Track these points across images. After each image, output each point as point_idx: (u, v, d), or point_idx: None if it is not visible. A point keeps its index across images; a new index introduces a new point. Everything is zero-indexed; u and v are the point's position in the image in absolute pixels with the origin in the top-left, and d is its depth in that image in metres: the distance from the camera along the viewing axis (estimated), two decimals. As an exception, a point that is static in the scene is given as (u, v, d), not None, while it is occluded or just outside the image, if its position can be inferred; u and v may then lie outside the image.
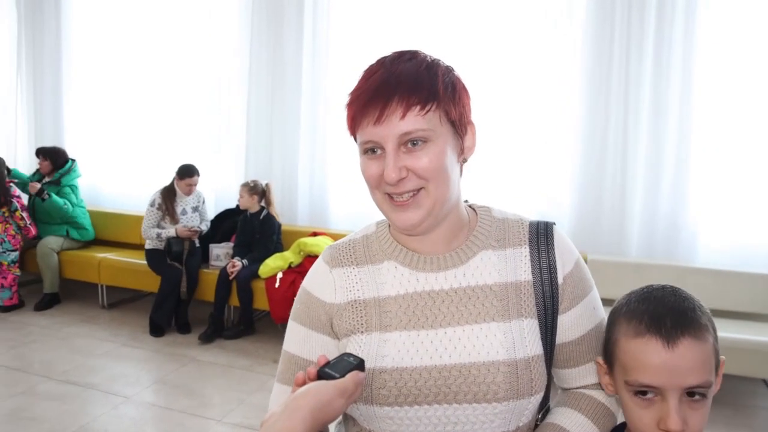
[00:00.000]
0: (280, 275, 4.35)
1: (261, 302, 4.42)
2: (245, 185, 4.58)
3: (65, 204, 5.09)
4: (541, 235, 0.99)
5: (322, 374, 0.81)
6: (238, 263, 4.39)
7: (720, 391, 1.00)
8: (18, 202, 4.95)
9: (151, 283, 4.66)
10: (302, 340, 1.01)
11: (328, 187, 5.03)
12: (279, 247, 4.63)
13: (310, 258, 4.42)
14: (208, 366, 3.92)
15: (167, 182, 4.77)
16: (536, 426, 1.02)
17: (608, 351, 0.93)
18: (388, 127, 0.86)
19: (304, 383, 0.80)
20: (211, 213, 5.14)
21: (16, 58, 6.14)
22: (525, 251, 0.98)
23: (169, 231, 4.60)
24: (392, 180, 0.87)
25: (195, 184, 4.75)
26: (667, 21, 3.98)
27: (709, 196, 4.05)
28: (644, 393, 0.87)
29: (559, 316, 0.98)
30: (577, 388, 1.05)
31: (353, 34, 4.80)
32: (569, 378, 1.04)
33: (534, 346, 0.94)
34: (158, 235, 4.60)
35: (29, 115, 6.18)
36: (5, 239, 4.92)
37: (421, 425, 0.92)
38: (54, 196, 5.04)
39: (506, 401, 0.90)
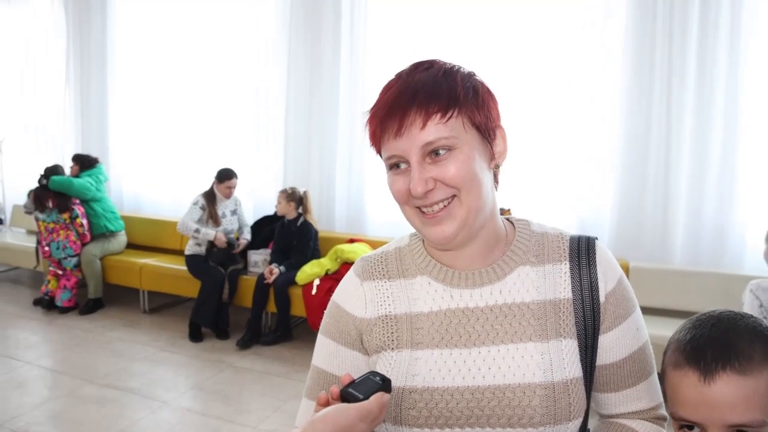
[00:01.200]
0: (317, 282, 4.34)
1: (298, 309, 4.43)
2: (283, 192, 4.61)
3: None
4: (582, 251, 0.94)
5: (345, 394, 0.76)
6: (276, 270, 4.41)
7: None
8: (78, 208, 5.10)
9: (191, 288, 4.72)
10: (331, 355, 0.97)
11: (366, 194, 5.02)
12: (316, 254, 4.63)
13: (347, 265, 4.40)
14: (245, 372, 3.94)
15: (207, 189, 4.84)
16: None
17: (661, 380, 0.89)
18: (409, 138, 0.83)
19: (327, 403, 0.76)
20: (250, 220, 5.18)
21: (65, 68, 6.34)
22: (565, 267, 0.93)
23: (208, 233, 4.64)
24: (419, 193, 0.83)
25: (234, 187, 4.82)
26: (711, 20, 3.83)
27: (756, 201, 3.88)
28: (689, 427, 0.81)
29: (600, 337, 0.92)
30: (617, 415, 0.99)
31: (390, 39, 4.79)
32: (608, 403, 0.98)
33: (573, 369, 0.89)
34: (196, 230, 4.64)
35: (76, 124, 6.38)
36: (67, 245, 5.08)
37: None
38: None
39: (542, 426, 0.85)
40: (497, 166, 0.92)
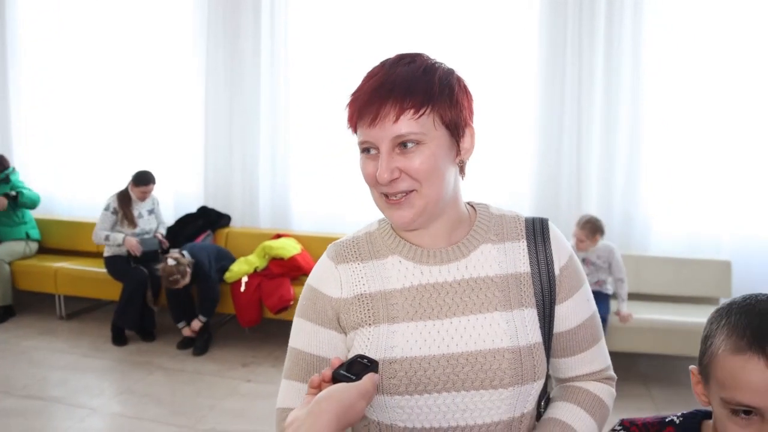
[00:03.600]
0: (245, 279, 4.32)
1: (227, 307, 4.39)
2: (174, 283, 4.10)
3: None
4: (537, 230, 1.05)
5: (337, 376, 0.82)
6: (196, 322, 4.26)
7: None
8: None
9: (112, 290, 4.55)
10: (309, 336, 1.03)
11: (291, 188, 5.02)
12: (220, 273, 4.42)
13: (276, 261, 4.40)
14: (176, 373, 3.87)
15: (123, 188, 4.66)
16: (538, 415, 1.07)
17: (704, 364, 0.89)
18: (382, 129, 0.90)
19: (319, 385, 0.82)
20: (171, 218, 5.06)
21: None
22: (523, 245, 1.04)
23: (116, 237, 4.48)
24: (384, 180, 0.91)
25: (149, 192, 4.64)
26: (616, 23, 4.18)
27: (660, 188, 4.26)
28: (744, 412, 0.83)
29: (556, 306, 1.03)
30: (573, 378, 1.10)
31: (312, 30, 4.81)
32: (565, 367, 1.09)
33: (535, 334, 0.99)
34: (106, 238, 4.50)
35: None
36: None
37: (431, 413, 0.95)
38: (24, 192, 4.92)
39: (512, 387, 0.95)
40: (462, 162, 1.00)
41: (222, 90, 5.02)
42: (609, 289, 3.82)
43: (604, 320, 3.61)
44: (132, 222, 4.58)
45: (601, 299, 3.73)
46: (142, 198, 4.62)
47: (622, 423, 1.04)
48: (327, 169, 4.89)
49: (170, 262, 4.10)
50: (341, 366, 0.83)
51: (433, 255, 1.00)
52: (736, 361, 0.82)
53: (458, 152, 0.98)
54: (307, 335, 1.03)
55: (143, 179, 4.57)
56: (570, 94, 4.30)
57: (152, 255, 4.55)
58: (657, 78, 4.19)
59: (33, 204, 5.06)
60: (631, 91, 4.22)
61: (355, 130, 0.97)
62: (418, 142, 0.91)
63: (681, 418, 1.01)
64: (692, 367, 0.95)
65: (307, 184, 5.00)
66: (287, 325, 4.47)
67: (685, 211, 4.20)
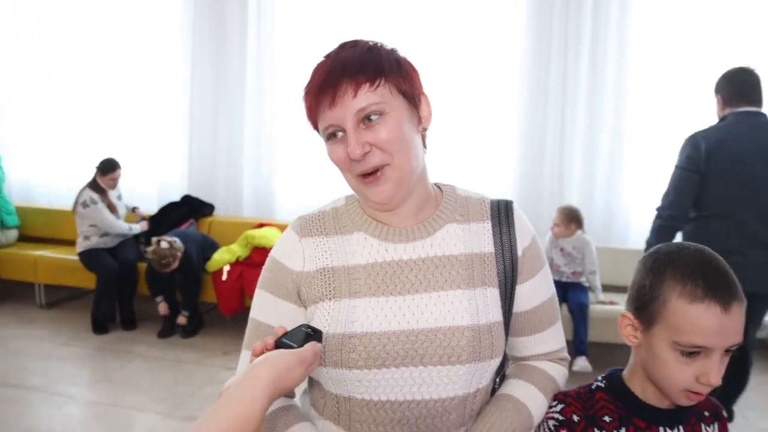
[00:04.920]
0: (227, 268, 4.31)
1: (209, 295, 4.38)
2: (166, 265, 4.06)
3: None
4: (501, 212, 1.06)
5: (279, 344, 0.83)
6: (183, 319, 4.32)
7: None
8: None
9: (92, 279, 4.52)
10: (269, 308, 1.04)
11: (274, 177, 5.01)
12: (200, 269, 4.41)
13: (258, 250, 4.39)
14: (156, 361, 3.86)
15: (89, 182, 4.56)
16: (493, 390, 1.08)
17: (649, 311, 0.96)
18: (342, 107, 0.91)
19: (262, 353, 0.83)
20: (154, 206, 5.03)
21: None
22: (488, 226, 1.05)
23: (135, 228, 4.61)
24: (357, 155, 0.91)
25: (118, 177, 4.60)
26: (602, 19, 4.23)
27: (639, 187, 4.34)
28: (692, 353, 0.91)
29: (517, 287, 1.05)
30: (529, 357, 1.12)
31: (298, 17, 4.80)
32: (522, 346, 1.11)
33: (495, 313, 1.00)
34: (130, 229, 4.58)
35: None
36: None
37: (389, 387, 0.96)
38: None
39: (469, 363, 0.96)
40: (425, 129, 1.01)
41: (207, 78, 5.00)
42: (586, 281, 3.86)
43: (585, 309, 3.65)
44: (114, 210, 4.56)
45: (581, 290, 3.78)
46: (113, 186, 4.59)
47: (556, 397, 1.08)
48: (311, 159, 4.89)
49: (163, 245, 4.07)
50: (285, 335, 0.84)
51: (399, 233, 1.01)
52: (694, 309, 0.90)
53: (419, 120, 0.99)
54: (267, 307, 1.04)
55: (110, 166, 4.53)
56: (554, 89, 4.34)
57: (131, 242, 4.56)
58: (640, 74, 4.24)
59: None
60: (614, 87, 4.27)
61: (315, 124, 0.98)
62: (380, 113, 0.92)
63: (604, 381, 1.08)
64: (625, 312, 1.01)
65: (291, 173, 4.99)
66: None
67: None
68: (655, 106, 4.26)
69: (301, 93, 0.97)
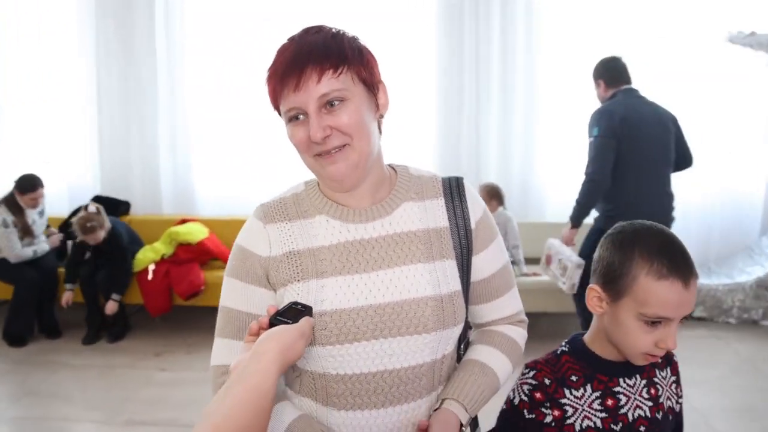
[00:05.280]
0: (152, 267, 4.20)
1: (134, 296, 4.25)
2: (91, 229, 3.93)
3: None
4: (453, 188, 1.13)
5: (274, 322, 0.87)
6: (114, 304, 4.07)
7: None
8: None
9: (4, 289, 4.28)
10: (240, 294, 1.07)
11: (193, 172, 4.91)
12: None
13: (183, 246, 4.31)
14: (85, 369, 3.71)
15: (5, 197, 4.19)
16: (459, 356, 1.17)
17: (618, 285, 1.07)
18: (306, 92, 0.95)
19: (258, 332, 0.87)
20: (66, 209, 4.79)
21: None
22: (441, 202, 1.12)
23: (43, 246, 4.24)
24: (318, 138, 0.95)
25: (41, 197, 4.19)
26: (509, 11, 4.49)
27: (552, 164, 4.62)
28: (655, 322, 1.04)
29: (473, 257, 1.12)
30: (490, 322, 1.21)
31: (208, 7, 4.71)
32: (483, 313, 1.20)
33: (455, 283, 1.08)
34: (34, 253, 4.16)
35: None
36: None
37: (360, 360, 1.02)
38: None
39: (435, 331, 1.03)
40: (381, 116, 1.07)
41: (115, 73, 4.80)
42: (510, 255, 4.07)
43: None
44: (29, 232, 4.18)
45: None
46: (34, 205, 4.18)
47: (527, 365, 1.18)
48: (231, 151, 4.83)
49: (91, 209, 3.93)
50: (277, 313, 0.89)
51: (359, 213, 1.06)
52: (660, 285, 1.03)
53: (377, 107, 1.05)
54: (238, 293, 1.07)
55: (30, 185, 4.11)
56: (468, 77, 4.56)
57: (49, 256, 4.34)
58: (549, 56, 4.53)
59: None
60: (524, 70, 4.55)
61: (277, 105, 1.01)
62: (342, 99, 0.97)
63: (568, 345, 1.20)
64: (593, 286, 1.13)
65: (211, 167, 4.90)
66: (199, 311, 4.42)
67: (576, 181, 4.55)
68: (562, 89, 4.55)
69: (266, 73, 1.00)
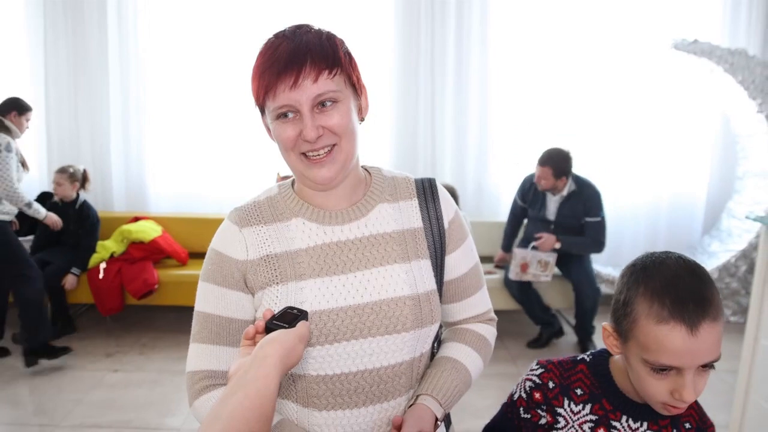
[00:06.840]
0: (103, 265, 4.10)
1: (84, 296, 4.14)
2: (63, 172, 4.07)
3: None
4: (426, 189, 1.16)
5: (270, 326, 0.87)
6: (73, 278, 4.01)
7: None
8: None
9: None
10: (217, 299, 1.07)
11: (146, 169, 4.81)
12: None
13: (135, 245, 4.22)
14: (33, 373, 3.58)
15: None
16: (432, 354, 1.19)
17: (623, 326, 0.97)
18: (302, 91, 0.96)
19: (254, 337, 0.88)
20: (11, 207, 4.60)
21: None
22: (415, 203, 1.14)
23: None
24: (312, 138, 0.97)
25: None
26: (465, 7, 4.55)
27: (505, 162, 4.73)
28: (663, 369, 0.92)
29: (446, 257, 1.15)
30: (461, 321, 1.24)
31: (161, 4, 4.61)
32: (454, 312, 1.23)
33: (430, 282, 1.10)
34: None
35: None
36: None
37: (341, 360, 1.03)
38: None
39: (413, 330, 1.06)
40: (362, 119, 1.10)
41: (64, 68, 4.66)
42: None
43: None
44: (25, 165, 3.82)
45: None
46: (23, 130, 3.81)
47: (539, 362, 1.17)
48: (184, 149, 4.75)
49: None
50: (273, 317, 0.90)
51: (335, 216, 1.08)
52: (660, 330, 0.91)
53: (360, 110, 1.07)
54: (214, 298, 1.07)
55: (27, 104, 3.79)
56: (423, 72, 4.64)
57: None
58: (503, 59, 4.65)
59: None
60: (479, 72, 4.65)
61: (262, 103, 1.01)
62: (334, 101, 0.99)
63: (591, 357, 1.14)
64: (606, 324, 1.05)
65: (163, 164, 4.82)
66: (152, 310, 4.34)
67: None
68: (516, 92, 4.68)
69: (253, 67, 1.00)
